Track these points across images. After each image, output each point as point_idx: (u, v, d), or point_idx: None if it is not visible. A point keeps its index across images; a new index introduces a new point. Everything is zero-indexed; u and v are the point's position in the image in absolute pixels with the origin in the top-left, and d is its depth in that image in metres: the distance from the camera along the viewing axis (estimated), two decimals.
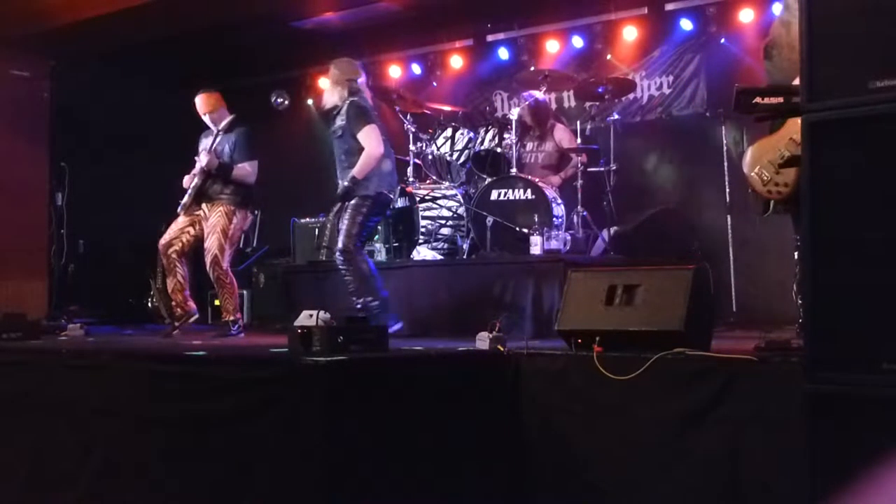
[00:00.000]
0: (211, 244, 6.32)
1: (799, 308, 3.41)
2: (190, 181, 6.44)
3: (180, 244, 6.41)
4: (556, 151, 7.53)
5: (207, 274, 6.41)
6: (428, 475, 3.86)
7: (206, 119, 6.50)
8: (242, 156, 6.41)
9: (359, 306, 5.83)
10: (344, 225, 5.90)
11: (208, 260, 6.34)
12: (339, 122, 6.01)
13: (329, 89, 6.21)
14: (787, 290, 4.36)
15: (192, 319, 6.37)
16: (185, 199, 6.41)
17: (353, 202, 5.90)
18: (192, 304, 6.46)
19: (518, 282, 6.22)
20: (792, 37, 3.86)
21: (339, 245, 5.89)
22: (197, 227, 6.44)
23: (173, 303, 6.43)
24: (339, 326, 4.10)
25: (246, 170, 6.41)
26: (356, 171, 5.82)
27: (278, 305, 7.46)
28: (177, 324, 6.37)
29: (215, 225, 6.34)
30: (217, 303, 6.82)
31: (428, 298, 6.61)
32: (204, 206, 6.42)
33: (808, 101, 2.75)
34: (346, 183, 5.88)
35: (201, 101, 6.51)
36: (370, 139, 5.87)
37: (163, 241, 6.44)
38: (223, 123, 6.42)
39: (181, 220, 6.45)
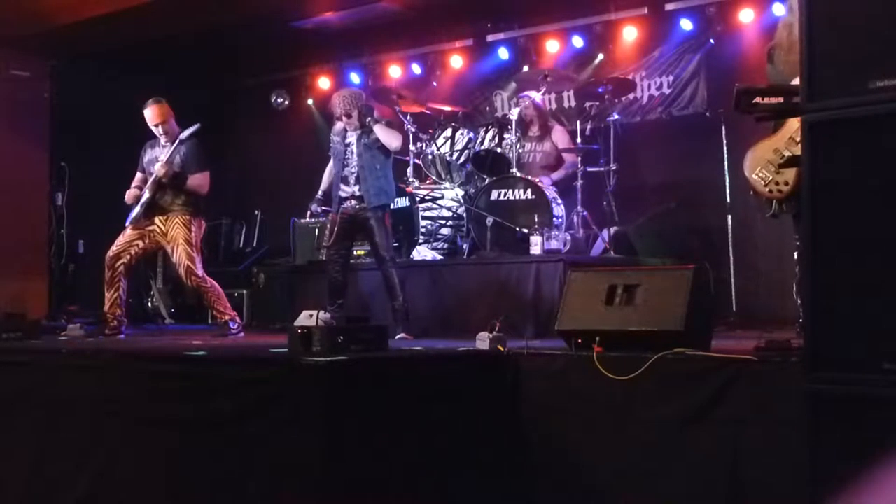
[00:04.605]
0: (179, 257, 6.23)
1: (799, 308, 3.40)
2: (133, 196, 6.34)
3: (128, 257, 6.29)
4: (554, 151, 7.55)
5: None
6: (428, 475, 3.86)
7: (158, 130, 6.34)
8: (194, 167, 6.30)
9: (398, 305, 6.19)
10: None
11: (182, 273, 6.27)
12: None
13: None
14: (787, 290, 4.37)
15: (117, 337, 6.21)
16: (136, 210, 6.27)
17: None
18: (125, 321, 6.37)
19: (518, 282, 6.22)
20: (792, 38, 3.86)
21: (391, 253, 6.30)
22: (146, 241, 6.33)
23: (109, 315, 6.24)
24: (339, 326, 4.11)
25: (199, 180, 6.32)
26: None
27: (278, 305, 7.45)
28: (107, 331, 6.22)
29: (176, 237, 6.24)
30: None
31: (428, 298, 6.62)
32: (157, 219, 6.30)
33: (808, 101, 2.75)
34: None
35: (152, 112, 6.33)
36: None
37: (110, 252, 6.28)
38: (183, 134, 6.27)
39: (129, 233, 6.31)
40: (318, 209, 6.77)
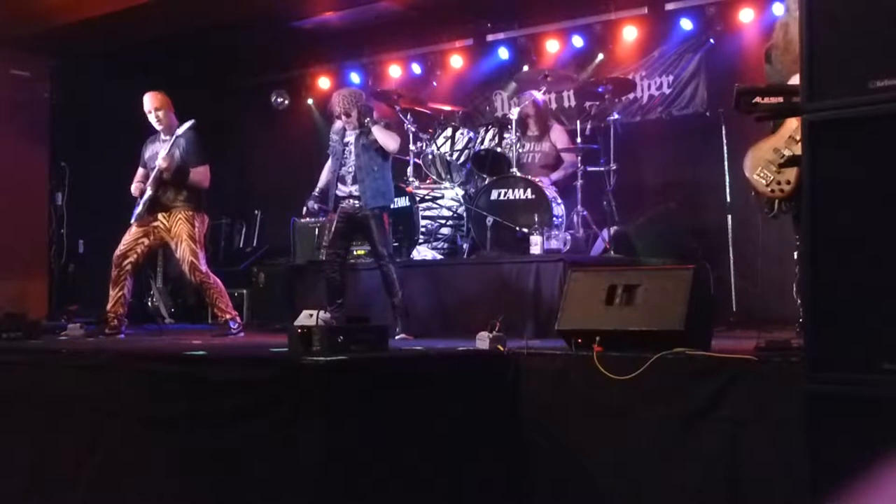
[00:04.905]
0: (183, 253, 6.24)
1: (799, 308, 3.41)
2: (139, 191, 6.34)
3: (135, 255, 6.30)
4: (553, 151, 7.55)
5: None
6: (428, 475, 3.86)
7: (153, 117, 6.32)
8: (194, 160, 6.30)
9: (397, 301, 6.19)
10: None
11: (186, 269, 6.27)
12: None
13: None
14: (787, 290, 4.36)
15: (117, 337, 6.20)
16: (139, 208, 6.27)
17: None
18: (126, 321, 6.37)
19: (518, 282, 6.22)
20: (788, 38, 3.87)
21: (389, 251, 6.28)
22: (151, 238, 6.34)
23: (111, 314, 6.24)
24: (339, 326, 4.11)
25: (200, 174, 6.31)
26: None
27: (278, 305, 7.45)
28: (107, 331, 6.22)
29: (180, 233, 6.25)
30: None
31: (428, 298, 6.61)
32: (160, 215, 6.31)
33: (808, 101, 2.75)
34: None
35: (151, 97, 6.32)
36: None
37: (118, 251, 6.30)
38: (179, 129, 6.26)
39: (135, 231, 6.32)
40: (315, 206, 6.77)
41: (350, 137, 6.27)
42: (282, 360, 3.99)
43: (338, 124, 6.39)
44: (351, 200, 6.21)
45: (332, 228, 6.30)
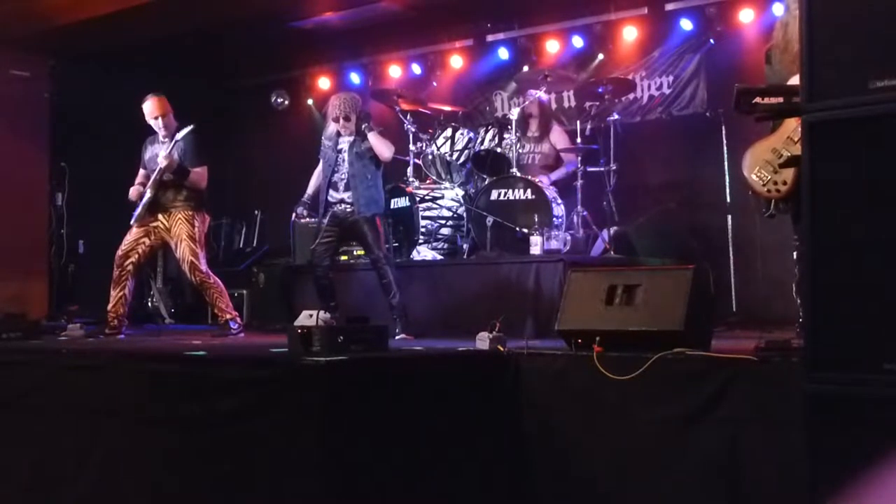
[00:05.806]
0: (183, 252, 6.24)
1: (799, 308, 3.41)
2: (137, 193, 6.34)
3: (136, 256, 6.31)
4: (553, 152, 7.56)
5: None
6: (427, 475, 3.86)
7: (157, 123, 6.33)
8: (193, 161, 6.31)
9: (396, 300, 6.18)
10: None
11: (186, 269, 6.27)
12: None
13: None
14: (787, 290, 4.37)
15: (117, 337, 6.20)
16: (139, 209, 6.28)
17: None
18: (126, 322, 6.36)
19: (518, 282, 6.22)
20: (788, 37, 3.87)
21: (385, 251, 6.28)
22: (152, 238, 6.35)
23: (112, 314, 6.24)
24: (339, 326, 4.11)
25: (198, 175, 6.31)
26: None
27: (278, 305, 7.45)
28: (107, 331, 6.22)
29: (180, 233, 6.25)
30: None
31: (428, 298, 6.61)
32: (160, 216, 6.32)
33: (808, 101, 2.75)
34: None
35: (152, 105, 6.31)
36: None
37: (119, 252, 6.31)
38: (180, 131, 6.25)
39: (136, 231, 6.32)
40: (304, 212, 6.74)
41: (343, 144, 6.21)
42: (282, 360, 3.99)
43: (330, 130, 6.32)
44: (343, 206, 6.18)
45: (322, 233, 6.27)
